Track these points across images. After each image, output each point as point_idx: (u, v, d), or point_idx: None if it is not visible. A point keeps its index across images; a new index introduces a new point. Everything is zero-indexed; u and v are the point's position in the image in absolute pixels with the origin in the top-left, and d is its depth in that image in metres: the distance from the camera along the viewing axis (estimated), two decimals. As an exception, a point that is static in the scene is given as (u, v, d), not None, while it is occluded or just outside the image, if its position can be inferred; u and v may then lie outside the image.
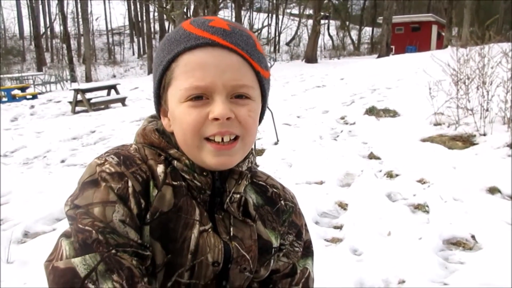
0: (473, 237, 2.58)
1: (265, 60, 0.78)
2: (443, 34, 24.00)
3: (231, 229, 0.78)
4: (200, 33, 0.70)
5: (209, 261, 0.73)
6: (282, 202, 0.89)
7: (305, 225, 0.95)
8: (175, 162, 0.75)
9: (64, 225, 2.87)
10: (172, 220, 0.71)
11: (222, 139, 0.70)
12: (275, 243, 0.85)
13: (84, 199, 0.67)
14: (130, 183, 0.68)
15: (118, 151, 0.73)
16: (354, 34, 42.26)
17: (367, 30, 42.84)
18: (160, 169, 0.73)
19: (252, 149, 0.81)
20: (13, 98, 13.05)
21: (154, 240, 0.70)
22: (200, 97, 0.69)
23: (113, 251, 0.63)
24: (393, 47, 25.20)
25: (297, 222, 0.92)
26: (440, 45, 22.99)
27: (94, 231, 0.63)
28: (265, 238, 0.83)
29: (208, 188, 0.75)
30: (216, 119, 0.68)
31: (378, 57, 22.48)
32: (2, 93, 13.51)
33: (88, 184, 0.68)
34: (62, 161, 4.96)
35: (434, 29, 28.75)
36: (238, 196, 0.79)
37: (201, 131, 0.69)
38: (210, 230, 0.74)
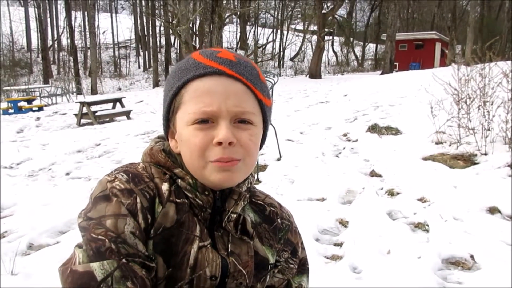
0: (472, 257, 2.58)
1: (267, 89, 0.84)
2: (447, 51, 24.14)
3: (229, 245, 0.81)
4: (209, 62, 0.76)
5: (207, 275, 0.76)
6: (279, 220, 0.93)
7: (302, 243, 0.98)
8: (179, 180, 0.79)
9: (68, 238, 2.91)
10: (174, 235, 0.75)
11: None
12: (272, 259, 0.89)
13: (97, 212, 0.71)
14: (138, 199, 0.73)
15: (127, 169, 0.78)
16: (358, 50, 42.52)
17: (371, 47, 43.10)
18: (165, 187, 0.78)
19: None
20: (19, 110, 13.21)
21: (157, 254, 0.73)
22: (206, 121, 0.74)
23: (124, 260, 0.67)
24: (396, 64, 25.37)
25: (293, 240, 0.95)
26: (444, 62, 23.14)
27: (107, 240, 0.68)
28: (262, 255, 0.86)
29: (209, 206, 0.80)
30: (220, 143, 0.73)
31: (382, 73, 22.63)
32: (9, 104, 13.69)
33: (100, 199, 0.73)
34: (67, 174, 5.01)
35: (438, 46, 28.94)
36: (235, 215, 0.83)
37: (206, 155, 0.74)
38: (209, 246, 0.78)
